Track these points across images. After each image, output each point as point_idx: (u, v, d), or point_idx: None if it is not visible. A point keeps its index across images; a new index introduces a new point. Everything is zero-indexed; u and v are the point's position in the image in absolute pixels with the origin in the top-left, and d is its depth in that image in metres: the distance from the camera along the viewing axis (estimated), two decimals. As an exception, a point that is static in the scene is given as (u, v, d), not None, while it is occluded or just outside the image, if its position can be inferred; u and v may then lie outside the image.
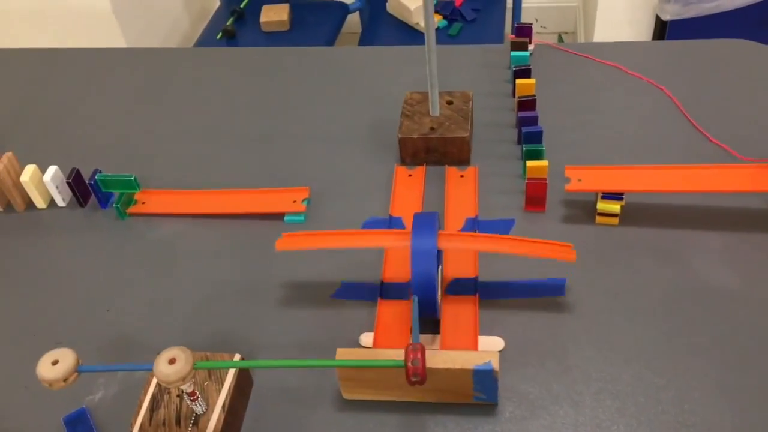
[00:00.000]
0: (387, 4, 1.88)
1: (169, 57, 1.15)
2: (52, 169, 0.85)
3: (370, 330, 0.70)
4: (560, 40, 2.39)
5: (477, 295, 0.72)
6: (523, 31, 0.98)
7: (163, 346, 0.69)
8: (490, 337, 0.69)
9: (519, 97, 0.89)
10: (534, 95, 0.88)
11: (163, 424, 0.62)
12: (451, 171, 0.85)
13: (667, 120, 0.90)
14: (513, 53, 0.96)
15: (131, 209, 0.85)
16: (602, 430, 0.61)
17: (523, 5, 2.06)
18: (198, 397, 0.61)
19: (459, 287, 0.73)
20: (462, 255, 0.76)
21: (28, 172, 0.84)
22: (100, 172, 0.84)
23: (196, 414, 0.62)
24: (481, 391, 0.62)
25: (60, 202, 0.87)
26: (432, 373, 0.61)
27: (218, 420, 0.61)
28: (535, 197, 0.79)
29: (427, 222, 0.67)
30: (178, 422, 0.62)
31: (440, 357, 0.61)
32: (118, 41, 1.83)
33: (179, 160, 0.92)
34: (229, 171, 0.90)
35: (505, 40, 1.60)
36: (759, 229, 0.75)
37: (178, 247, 0.81)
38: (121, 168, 0.88)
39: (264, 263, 0.78)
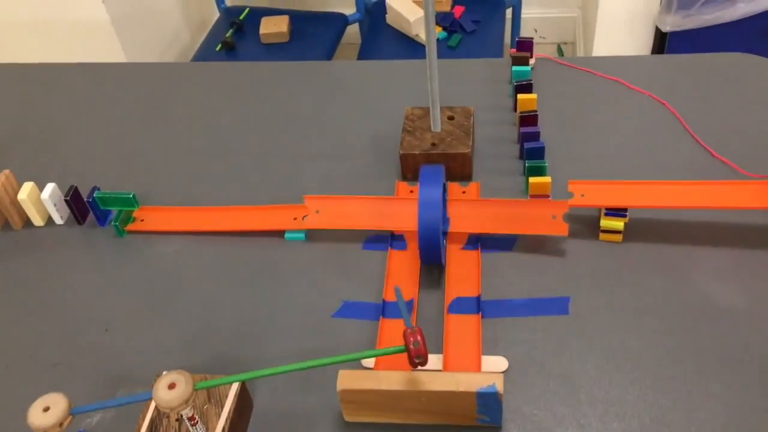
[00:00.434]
0: (386, 15, 1.87)
1: (167, 72, 1.15)
2: (50, 187, 0.84)
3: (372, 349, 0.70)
4: (560, 50, 2.39)
5: (480, 313, 0.71)
6: (524, 46, 0.98)
7: (162, 368, 0.69)
8: (493, 357, 0.68)
9: (521, 113, 0.89)
10: (536, 110, 0.88)
11: (163, 448, 0.61)
12: (453, 187, 0.84)
13: (670, 135, 0.89)
14: (514, 68, 0.96)
15: (130, 227, 0.84)
16: (608, 453, 0.60)
17: (523, 16, 2.06)
18: (198, 421, 0.60)
19: (461, 306, 0.72)
20: (464, 273, 0.75)
21: (26, 189, 0.83)
22: (99, 189, 0.84)
23: (195, 438, 0.61)
24: (486, 413, 0.61)
25: (58, 220, 0.86)
26: (435, 396, 0.60)
27: (218, 444, 0.61)
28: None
29: (434, 173, 0.72)
30: (177, 446, 0.61)
31: (444, 379, 0.60)
32: (117, 52, 1.82)
33: (178, 176, 0.91)
34: (228, 188, 0.89)
35: (505, 54, 1.59)
36: (765, 246, 0.75)
37: (178, 265, 0.80)
38: (120, 185, 0.88)
39: (264, 282, 0.77)
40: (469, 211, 0.79)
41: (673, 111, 0.92)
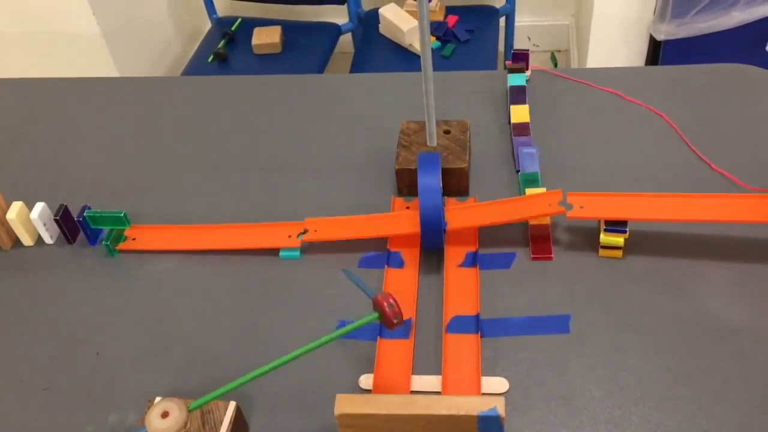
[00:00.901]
0: (379, 25, 1.86)
1: (159, 87, 1.13)
2: (39, 206, 0.82)
3: (370, 370, 0.68)
4: (553, 57, 2.39)
5: (479, 333, 0.70)
6: (520, 57, 0.97)
7: (154, 392, 0.67)
8: (493, 378, 0.67)
9: (514, 123, 0.88)
10: (527, 121, 0.87)
11: (156, 477, 0.59)
12: (450, 202, 0.83)
13: (667, 147, 0.88)
14: (510, 75, 0.95)
15: (121, 246, 0.83)
16: (613, 477, 0.59)
17: (516, 24, 2.06)
18: (192, 449, 0.58)
19: (460, 325, 0.71)
20: (462, 291, 0.74)
21: (15, 209, 0.82)
22: (89, 208, 0.82)
23: (189, 466, 0.59)
24: (487, 437, 0.60)
25: (48, 240, 0.84)
26: (435, 420, 0.59)
27: (213, 472, 0.59)
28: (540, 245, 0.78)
29: (432, 160, 0.74)
30: (171, 475, 0.59)
31: (444, 403, 0.59)
32: (108, 65, 1.81)
33: (170, 194, 0.90)
34: (221, 204, 0.87)
35: (499, 65, 1.59)
36: (767, 261, 0.74)
37: (170, 285, 0.79)
38: (111, 203, 0.86)
39: (259, 302, 0.76)
40: (467, 211, 0.79)
41: (671, 123, 0.91)
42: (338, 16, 2.09)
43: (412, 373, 0.68)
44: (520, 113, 0.92)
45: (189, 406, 0.59)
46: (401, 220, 0.79)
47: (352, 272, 0.62)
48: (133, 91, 1.10)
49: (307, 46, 1.91)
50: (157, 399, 0.62)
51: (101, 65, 1.80)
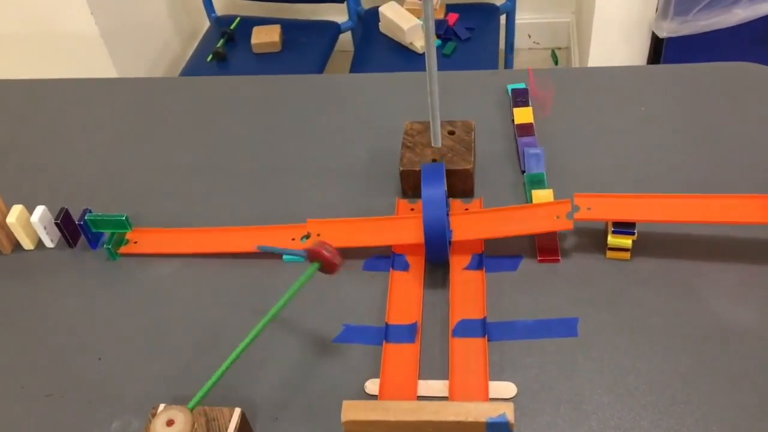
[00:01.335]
0: (379, 23, 1.86)
1: (159, 87, 1.12)
2: (39, 210, 0.81)
3: (375, 375, 0.67)
4: (554, 55, 2.38)
5: (486, 336, 0.69)
6: (519, 94, 0.94)
7: (157, 397, 0.66)
8: (501, 382, 0.66)
9: (518, 124, 0.88)
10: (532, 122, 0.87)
11: (160, 485, 0.59)
12: (456, 204, 0.82)
13: (672, 146, 0.87)
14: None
15: (123, 249, 0.82)
16: (623, 483, 0.58)
17: (517, 21, 2.05)
18: (197, 457, 0.58)
19: (467, 329, 0.70)
20: (469, 294, 0.73)
21: (15, 212, 0.81)
22: (90, 211, 0.81)
23: (194, 474, 0.59)
24: (495, 443, 0.59)
25: (48, 243, 0.83)
26: (443, 426, 0.58)
27: (218, 480, 0.58)
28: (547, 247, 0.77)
29: (436, 171, 0.73)
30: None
31: (451, 409, 0.58)
32: (107, 65, 1.80)
33: (172, 197, 0.89)
34: (224, 208, 0.87)
35: (500, 64, 1.58)
36: (775, 262, 0.73)
37: (173, 288, 0.78)
38: (112, 206, 0.85)
39: (262, 305, 0.75)
40: (472, 220, 0.77)
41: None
42: (338, 14, 2.08)
43: (419, 378, 0.67)
44: (523, 115, 0.91)
45: (188, 405, 0.58)
46: (406, 228, 0.77)
47: (267, 246, 0.64)
48: (132, 92, 1.09)
49: (306, 45, 1.90)
50: (161, 406, 0.62)
51: (100, 66, 1.79)
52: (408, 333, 0.70)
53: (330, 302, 0.74)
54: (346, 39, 2.12)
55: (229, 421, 0.61)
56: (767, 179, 0.81)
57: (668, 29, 1.61)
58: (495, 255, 0.76)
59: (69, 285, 0.80)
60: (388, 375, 0.67)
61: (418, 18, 1.78)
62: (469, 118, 0.88)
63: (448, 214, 0.75)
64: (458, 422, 0.58)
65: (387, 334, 0.70)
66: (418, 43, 1.77)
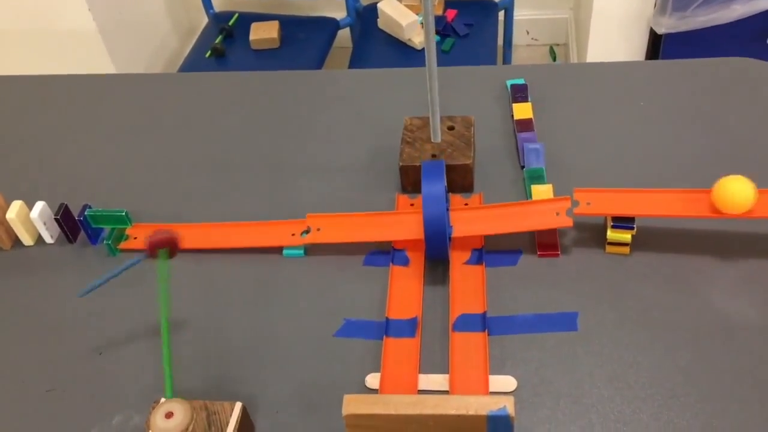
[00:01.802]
0: (378, 19, 1.85)
1: (158, 83, 1.12)
2: (39, 205, 0.81)
3: (376, 370, 0.68)
4: (552, 51, 2.38)
5: (486, 331, 0.69)
6: (519, 89, 0.94)
7: (160, 392, 0.66)
8: (501, 376, 0.66)
9: (517, 120, 0.88)
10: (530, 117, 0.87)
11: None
12: (455, 199, 0.83)
13: (671, 142, 0.87)
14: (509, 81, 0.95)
15: (123, 245, 0.82)
16: (623, 476, 0.59)
17: (515, 18, 2.05)
18: (198, 451, 0.58)
19: (467, 323, 0.70)
20: (469, 289, 0.73)
21: (14, 208, 0.81)
22: (90, 207, 0.81)
23: (196, 468, 0.59)
24: (496, 437, 0.59)
25: (48, 239, 0.83)
26: (443, 420, 0.58)
27: (220, 474, 0.58)
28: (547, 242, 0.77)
29: (436, 168, 0.72)
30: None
31: (452, 402, 0.58)
32: (104, 61, 1.80)
33: (171, 192, 0.89)
34: (223, 203, 0.87)
35: (498, 59, 1.57)
36: (774, 256, 0.73)
37: (172, 284, 0.78)
38: (112, 202, 0.85)
39: (263, 300, 0.75)
40: (472, 216, 0.77)
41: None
42: (336, 10, 2.08)
43: (419, 372, 0.67)
44: (522, 110, 0.91)
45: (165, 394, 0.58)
46: (406, 224, 0.77)
47: (90, 286, 0.68)
48: (132, 88, 1.09)
49: (305, 41, 1.90)
50: (162, 399, 0.62)
51: (98, 62, 1.79)
52: (408, 328, 0.70)
53: (330, 297, 0.74)
54: (344, 35, 2.12)
55: (230, 414, 0.62)
56: (765, 174, 0.81)
57: (666, 25, 1.61)
58: (495, 250, 0.77)
59: (69, 281, 0.80)
60: (388, 369, 0.67)
61: (417, 14, 1.78)
62: (469, 114, 0.88)
63: (447, 210, 0.75)
64: (459, 415, 0.58)
65: (387, 328, 0.70)
66: (417, 40, 1.77)
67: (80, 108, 1.05)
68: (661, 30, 1.63)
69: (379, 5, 1.83)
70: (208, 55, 1.87)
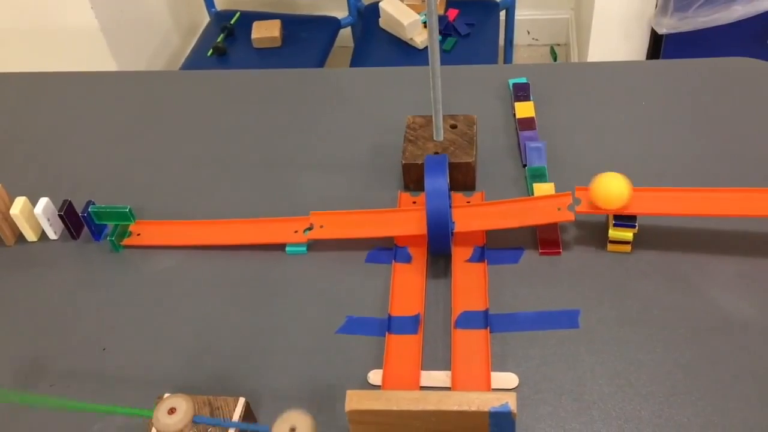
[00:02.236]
0: (380, 19, 1.86)
1: (161, 81, 1.13)
2: (43, 201, 0.82)
3: (378, 366, 0.68)
4: (553, 51, 2.38)
5: (488, 328, 0.69)
6: (521, 88, 0.94)
7: (162, 388, 0.67)
8: (503, 373, 0.66)
9: (519, 118, 0.88)
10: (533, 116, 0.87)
11: (165, 474, 0.59)
12: (457, 197, 0.83)
13: (672, 141, 0.88)
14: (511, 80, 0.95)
15: (126, 241, 0.82)
16: (624, 472, 0.59)
17: (516, 18, 2.05)
18: (202, 446, 0.58)
19: (469, 320, 0.70)
20: (471, 286, 0.73)
21: (18, 204, 0.81)
22: (93, 203, 0.81)
23: (199, 463, 0.59)
24: (498, 433, 0.60)
25: (52, 235, 0.83)
26: (446, 416, 0.59)
27: (223, 469, 0.59)
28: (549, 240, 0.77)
29: (438, 162, 0.73)
30: (180, 472, 0.59)
31: (455, 398, 0.59)
32: (106, 59, 1.80)
33: (175, 189, 0.89)
34: (227, 200, 0.87)
35: (500, 58, 1.57)
36: (775, 255, 0.74)
37: (176, 280, 0.78)
38: (115, 199, 0.86)
39: (266, 297, 0.75)
40: (474, 212, 0.78)
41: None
42: (338, 9, 2.08)
43: (421, 369, 0.67)
44: (525, 109, 0.92)
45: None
46: (408, 220, 0.78)
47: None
48: (134, 86, 1.09)
49: (307, 40, 1.90)
50: (166, 395, 0.62)
51: (100, 59, 1.79)
52: (411, 324, 0.71)
53: (333, 294, 0.75)
54: (346, 34, 2.12)
55: (234, 410, 0.62)
56: (765, 174, 0.81)
57: (668, 25, 1.61)
58: (497, 247, 0.77)
59: (72, 277, 0.80)
60: (391, 366, 0.68)
61: (418, 13, 1.78)
62: (471, 113, 0.88)
63: (450, 206, 0.75)
64: (461, 412, 0.58)
65: (390, 325, 0.71)
66: (418, 39, 1.78)
67: (83, 105, 1.06)
68: (662, 30, 1.63)
69: (380, 4, 1.83)
70: (209, 53, 1.87)
